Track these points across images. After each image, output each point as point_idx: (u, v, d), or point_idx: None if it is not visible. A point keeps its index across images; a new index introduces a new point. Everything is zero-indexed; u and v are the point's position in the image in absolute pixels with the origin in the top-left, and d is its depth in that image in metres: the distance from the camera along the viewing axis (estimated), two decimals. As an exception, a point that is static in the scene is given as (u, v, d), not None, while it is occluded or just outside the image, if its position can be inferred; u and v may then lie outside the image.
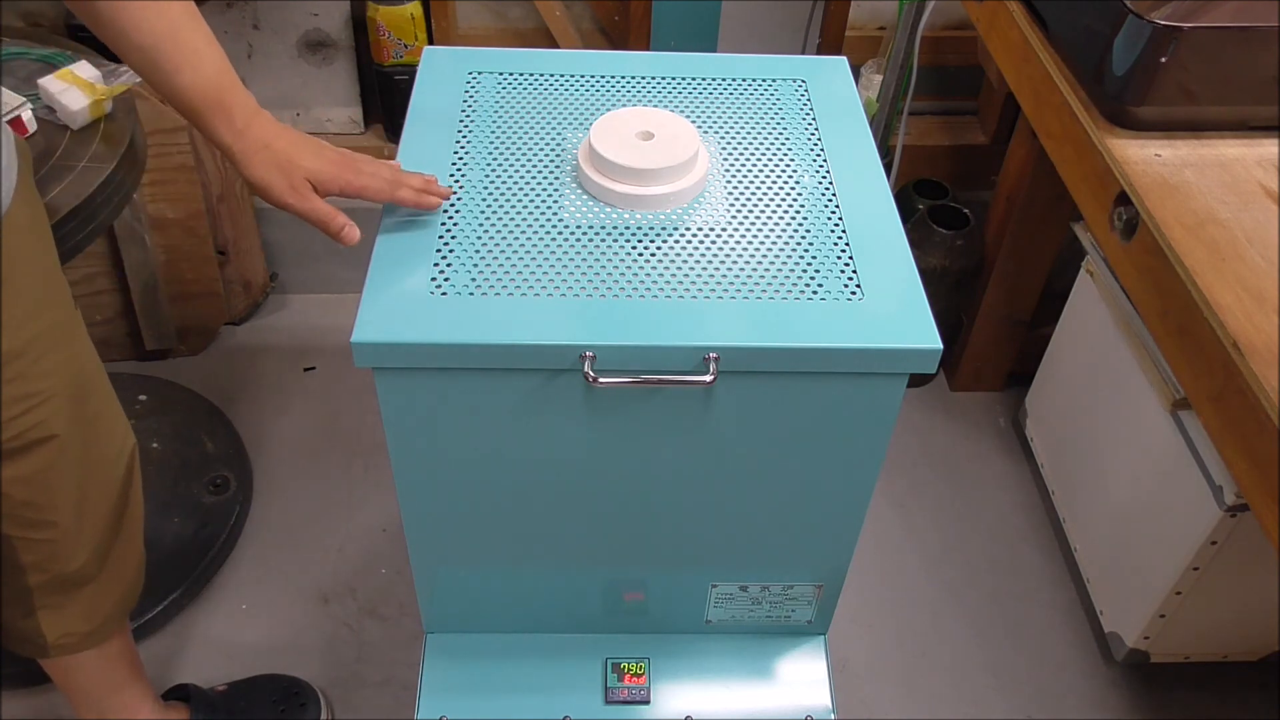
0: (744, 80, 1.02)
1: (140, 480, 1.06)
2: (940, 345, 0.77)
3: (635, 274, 0.80)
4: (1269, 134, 1.09)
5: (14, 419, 0.87)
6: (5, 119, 0.83)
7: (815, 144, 0.94)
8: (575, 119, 0.95)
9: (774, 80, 1.02)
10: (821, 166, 0.92)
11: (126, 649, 1.15)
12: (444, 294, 0.78)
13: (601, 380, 0.75)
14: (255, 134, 0.82)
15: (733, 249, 0.83)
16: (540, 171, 0.89)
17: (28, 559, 0.97)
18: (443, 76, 0.99)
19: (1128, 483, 1.32)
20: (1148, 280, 1.00)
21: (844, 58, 1.05)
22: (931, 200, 1.74)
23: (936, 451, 1.71)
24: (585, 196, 0.87)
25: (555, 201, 0.86)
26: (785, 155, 0.93)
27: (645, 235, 0.84)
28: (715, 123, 0.96)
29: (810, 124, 0.97)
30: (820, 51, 1.79)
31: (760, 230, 0.85)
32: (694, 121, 0.95)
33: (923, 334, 0.77)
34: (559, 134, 0.93)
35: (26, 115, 1.12)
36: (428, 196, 0.84)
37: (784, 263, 0.82)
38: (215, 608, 1.44)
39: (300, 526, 1.55)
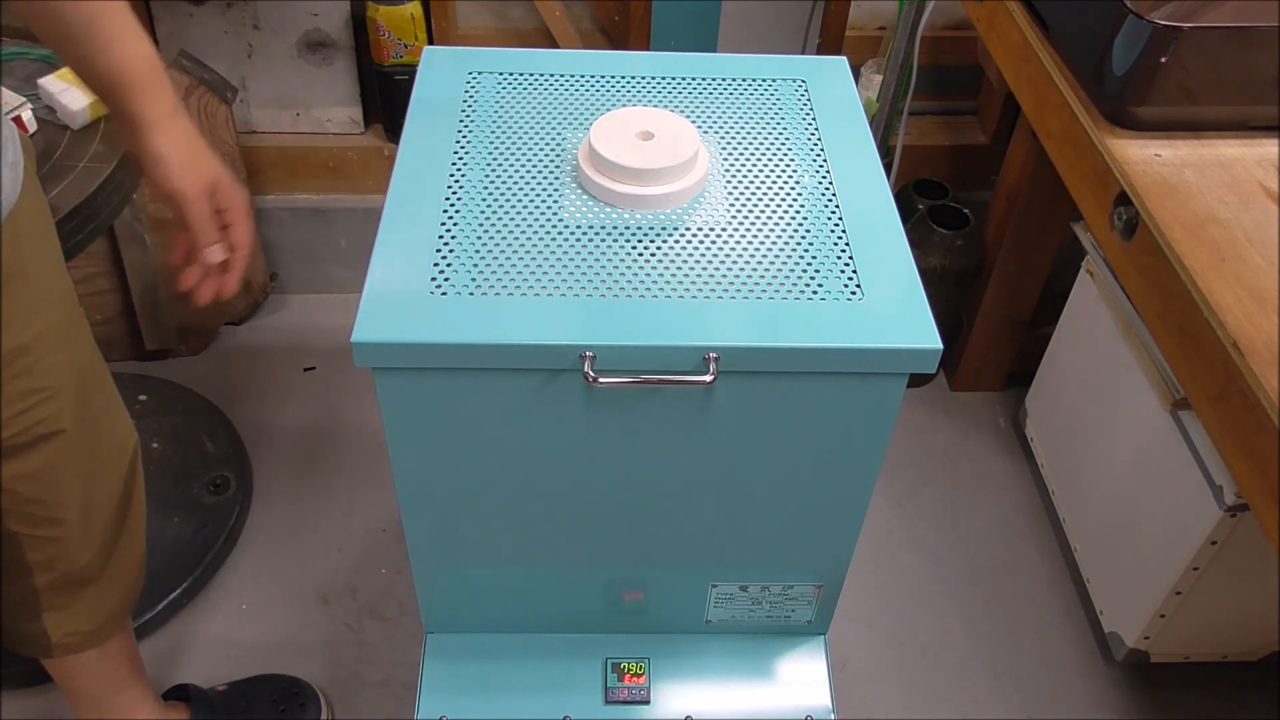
0: (744, 80, 1.02)
1: (142, 478, 1.06)
2: (940, 345, 0.77)
3: (635, 274, 0.80)
4: (1269, 134, 1.09)
5: (20, 414, 0.87)
6: (7, 117, 0.83)
7: (815, 144, 0.94)
8: (575, 119, 0.95)
9: (774, 80, 1.02)
10: (821, 166, 0.92)
11: (128, 648, 1.15)
12: (444, 294, 0.78)
13: (602, 380, 0.75)
14: (182, 120, 0.84)
15: (733, 249, 0.83)
16: (540, 171, 0.89)
17: (34, 558, 0.97)
18: (443, 76, 0.99)
19: (1128, 483, 1.32)
20: (1148, 280, 1.00)
21: (844, 58, 1.05)
22: (931, 200, 1.74)
23: (936, 451, 1.71)
24: (585, 196, 0.87)
25: (555, 201, 0.86)
26: (785, 155, 0.93)
27: (645, 235, 0.84)
28: (715, 123, 0.96)
29: (810, 124, 0.97)
30: (820, 51, 1.79)
31: (760, 230, 0.85)
32: (694, 121, 0.95)
33: (923, 334, 0.77)
34: (559, 134, 0.93)
35: (26, 115, 1.12)
36: (222, 279, 0.89)
37: (784, 263, 0.82)
38: (215, 608, 1.44)
39: (300, 526, 1.55)
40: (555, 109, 0.96)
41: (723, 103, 0.99)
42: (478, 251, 0.81)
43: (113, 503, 1.01)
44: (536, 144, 0.92)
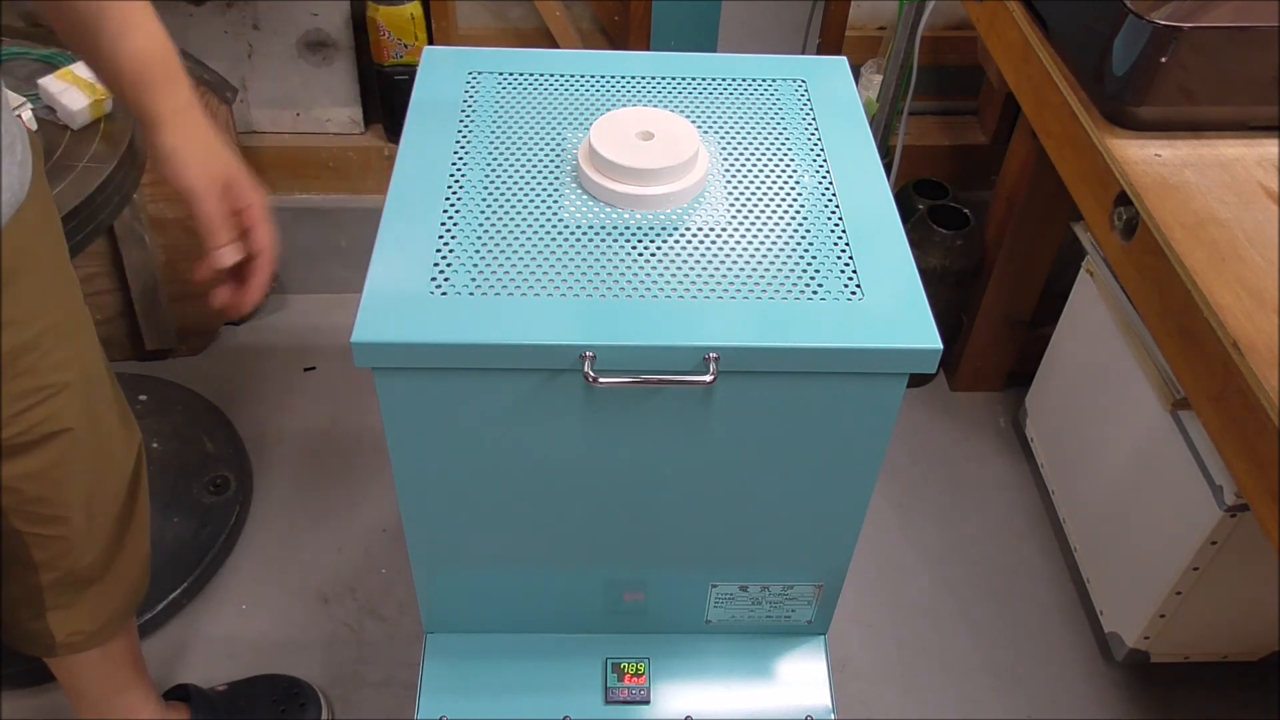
0: (744, 80, 1.02)
1: (147, 477, 1.06)
2: (940, 345, 0.77)
3: (635, 274, 0.80)
4: (1269, 134, 1.09)
5: (26, 411, 0.87)
6: (15, 115, 0.83)
7: (815, 144, 0.94)
8: (575, 119, 0.95)
9: (774, 80, 1.02)
10: (821, 166, 0.92)
11: (131, 649, 1.15)
12: (444, 294, 0.78)
13: (601, 380, 0.75)
14: (196, 115, 0.81)
15: (733, 249, 0.83)
16: (540, 171, 0.89)
17: (40, 556, 0.97)
18: (443, 76, 0.99)
19: (1128, 483, 1.32)
20: (1148, 280, 1.00)
21: (844, 58, 1.05)
22: (931, 200, 1.74)
23: (936, 451, 1.71)
24: (585, 196, 0.87)
25: (555, 201, 0.86)
26: (785, 155, 0.93)
27: (645, 235, 0.84)
28: (715, 123, 0.96)
29: (810, 124, 0.97)
30: (820, 51, 1.79)
31: (760, 230, 0.85)
32: (694, 121, 0.95)
33: (923, 334, 0.77)
34: (559, 134, 0.93)
35: (26, 115, 1.12)
36: (241, 290, 0.84)
37: (784, 263, 0.82)
38: (215, 608, 1.45)
39: (300, 526, 1.55)
40: (555, 109, 0.96)
41: (723, 103, 0.99)
42: (478, 251, 0.81)
43: (117, 502, 1.01)
44: (536, 144, 0.92)
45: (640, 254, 0.82)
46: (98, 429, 0.95)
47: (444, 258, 0.81)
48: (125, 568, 1.06)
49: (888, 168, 1.67)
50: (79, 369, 0.91)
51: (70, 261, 0.93)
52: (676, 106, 0.98)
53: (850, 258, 0.83)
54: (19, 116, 0.87)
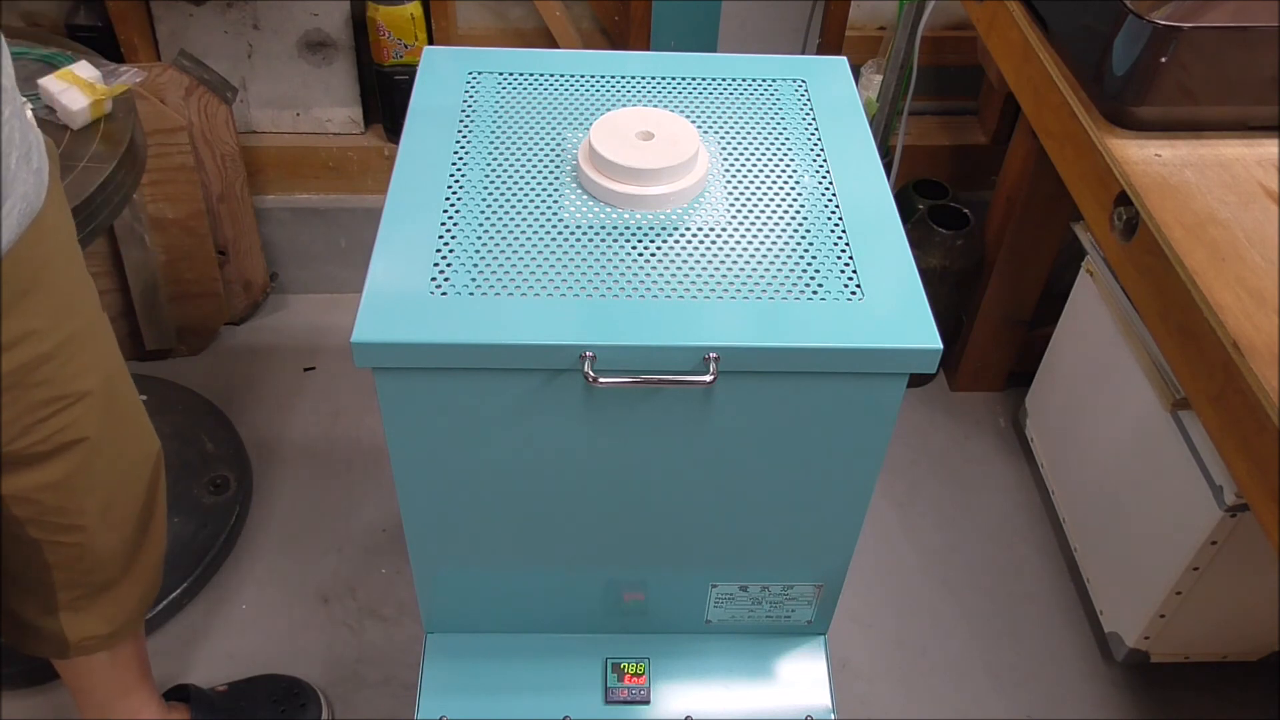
0: (744, 80, 1.02)
1: (165, 484, 1.06)
2: (940, 345, 0.77)
3: (635, 274, 0.80)
4: (1269, 134, 1.09)
5: (45, 421, 0.86)
6: (33, 122, 0.83)
7: (815, 144, 0.94)
8: (575, 119, 0.95)
9: (774, 80, 1.02)
10: (821, 166, 0.92)
11: (138, 651, 1.15)
12: (444, 294, 0.78)
13: (601, 380, 0.75)
14: None
15: (733, 249, 0.83)
16: (540, 171, 0.89)
17: (53, 558, 0.96)
18: (443, 76, 0.99)
19: (1128, 483, 1.32)
20: (1148, 280, 1.00)
21: (844, 58, 1.05)
22: (931, 200, 1.74)
23: (936, 451, 1.71)
24: (585, 196, 0.87)
25: (555, 201, 0.86)
26: (785, 155, 0.93)
27: (645, 235, 0.84)
28: (715, 123, 0.96)
29: (810, 124, 0.97)
30: (820, 51, 1.79)
31: (760, 230, 0.85)
32: (694, 121, 0.95)
33: (923, 334, 0.77)
34: (559, 134, 0.93)
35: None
36: None
37: (784, 263, 0.82)
38: (215, 608, 1.45)
39: (300, 526, 1.55)
40: (555, 109, 0.96)
41: (723, 103, 0.99)
42: (478, 251, 0.81)
43: (135, 509, 1.01)
44: (536, 144, 0.92)
45: (640, 254, 0.82)
46: (116, 436, 0.95)
47: (444, 258, 0.81)
48: (141, 573, 1.05)
49: (888, 168, 1.67)
50: (98, 377, 0.90)
51: (86, 267, 0.93)
52: (676, 106, 0.98)
53: (850, 258, 0.83)
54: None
